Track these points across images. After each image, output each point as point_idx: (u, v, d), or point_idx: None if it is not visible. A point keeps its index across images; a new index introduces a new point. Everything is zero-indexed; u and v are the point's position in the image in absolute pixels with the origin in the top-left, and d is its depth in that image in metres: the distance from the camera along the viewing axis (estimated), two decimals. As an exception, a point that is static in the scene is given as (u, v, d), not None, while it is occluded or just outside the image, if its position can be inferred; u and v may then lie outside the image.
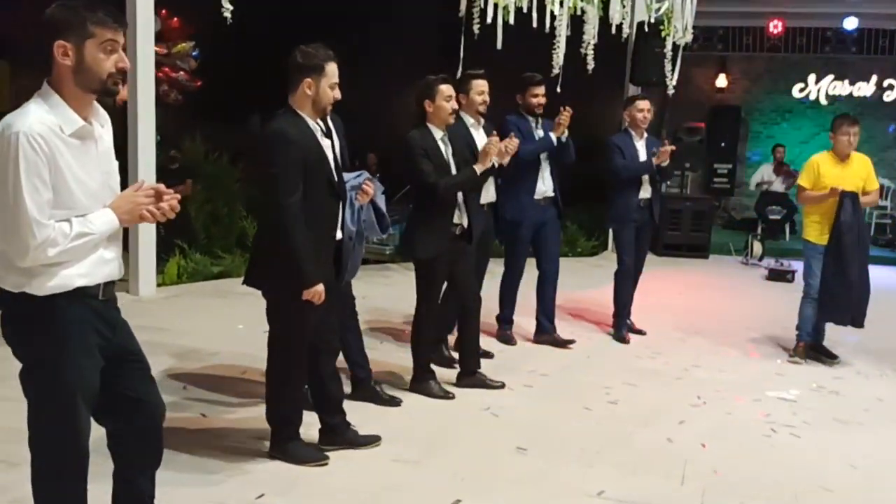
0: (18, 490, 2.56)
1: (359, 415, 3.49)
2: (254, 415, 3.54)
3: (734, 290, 7.55)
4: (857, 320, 4.81)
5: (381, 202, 3.45)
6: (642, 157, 5.21)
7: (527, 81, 4.81)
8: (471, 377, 4.18)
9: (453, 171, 3.87)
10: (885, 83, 11.32)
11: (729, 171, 11.44)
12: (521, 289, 5.07)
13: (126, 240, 5.51)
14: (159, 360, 4.20)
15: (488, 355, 4.63)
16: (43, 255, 1.97)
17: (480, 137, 4.31)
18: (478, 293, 4.18)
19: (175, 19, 9.63)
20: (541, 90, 4.81)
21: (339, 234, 3.12)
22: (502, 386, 4.20)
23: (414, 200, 4.00)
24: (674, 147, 5.24)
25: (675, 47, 8.00)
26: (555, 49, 6.68)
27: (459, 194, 3.90)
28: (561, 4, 6.61)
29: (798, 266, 6.42)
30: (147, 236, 5.80)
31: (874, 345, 5.30)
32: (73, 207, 2.02)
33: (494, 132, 4.12)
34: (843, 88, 11.48)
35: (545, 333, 5.11)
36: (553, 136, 4.73)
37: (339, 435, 3.30)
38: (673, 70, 8.04)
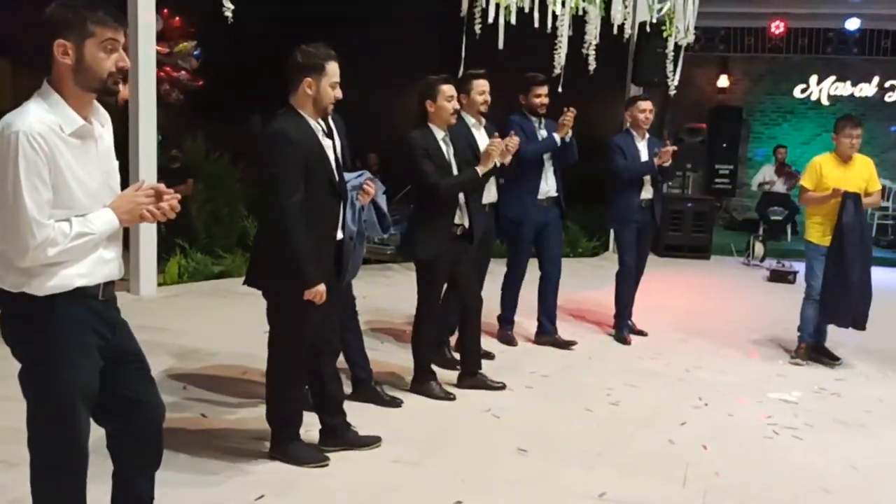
0: (18, 490, 2.55)
1: (359, 415, 3.48)
2: (254, 415, 3.53)
3: (735, 291, 7.54)
4: (858, 322, 4.79)
5: (383, 202, 3.44)
6: (644, 157, 5.20)
7: (530, 81, 4.80)
8: (472, 378, 4.17)
9: (455, 171, 3.86)
10: (887, 84, 11.32)
11: (730, 171, 11.45)
12: (523, 289, 5.06)
13: (127, 239, 5.50)
14: (159, 359, 4.19)
15: (489, 356, 4.62)
16: (42, 255, 1.96)
17: (482, 137, 4.30)
18: (479, 294, 4.17)
19: (177, 18, 9.62)
20: (544, 90, 4.80)
21: (339, 235, 3.11)
22: (503, 387, 4.19)
23: (415, 200, 3.99)
24: (675, 147, 5.22)
25: (677, 48, 7.99)
26: (556, 49, 6.67)
27: (461, 195, 3.89)
28: (563, 4, 6.60)
29: (800, 267, 6.41)
30: (148, 236, 5.79)
31: (876, 346, 5.28)
32: (73, 207, 2.01)
33: (496, 133, 4.11)
34: (844, 89, 11.48)
35: (546, 334, 5.10)
36: (557, 136, 4.73)
37: (339, 436, 3.29)
38: (674, 70, 8.03)
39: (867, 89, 11.41)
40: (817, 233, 4.88)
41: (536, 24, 6.50)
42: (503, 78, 4.58)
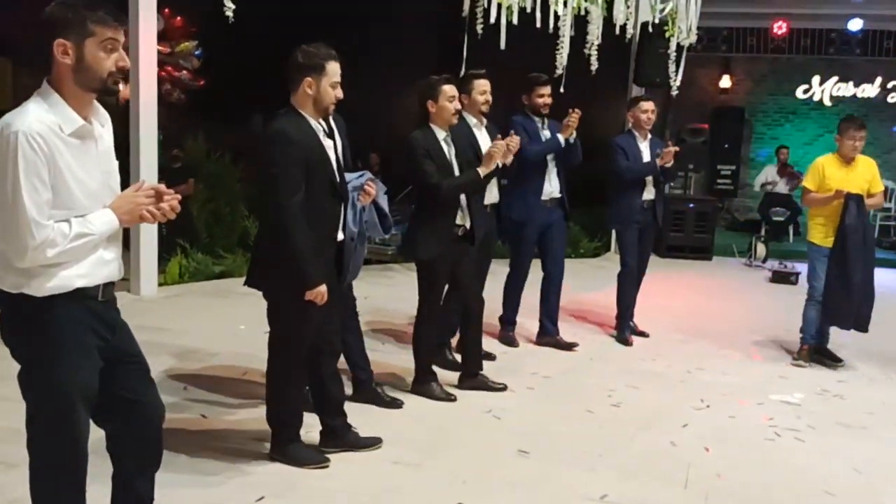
0: (17, 491, 2.54)
1: (360, 417, 3.47)
2: (254, 416, 3.52)
3: (737, 292, 7.52)
4: (860, 325, 4.78)
5: (384, 202, 3.43)
6: (646, 158, 5.19)
7: (532, 82, 4.79)
8: (473, 379, 4.16)
9: (456, 172, 3.85)
10: (890, 85, 11.31)
11: (732, 172, 11.44)
12: (525, 290, 5.05)
13: (127, 239, 5.50)
14: (160, 360, 4.19)
15: (490, 357, 4.61)
16: (42, 256, 1.95)
17: (483, 138, 4.29)
18: (480, 295, 4.16)
19: (178, 18, 9.62)
20: (547, 90, 4.79)
21: (340, 235, 3.10)
22: (504, 388, 4.18)
23: (416, 201, 3.98)
24: (677, 148, 5.21)
25: (679, 48, 7.97)
26: (558, 49, 6.66)
27: (462, 195, 3.88)
28: (565, 4, 6.59)
29: (802, 268, 6.39)
30: (149, 235, 5.79)
31: (879, 348, 5.27)
32: (73, 208, 2.00)
33: (499, 135, 4.08)
34: (847, 90, 11.46)
35: (548, 335, 5.09)
36: (561, 137, 4.71)
37: (339, 437, 3.28)
38: (677, 71, 8.02)
39: (869, 90, 11.40)
40: (820, 234, 4.86)
41: (538, 24, 6.49)
42: (505, 78, 4.57)
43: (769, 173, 10.61)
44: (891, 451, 3.69)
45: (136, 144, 5.60)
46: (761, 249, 8.96)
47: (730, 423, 3.91)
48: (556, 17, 6.59)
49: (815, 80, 11.56)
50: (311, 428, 3.27)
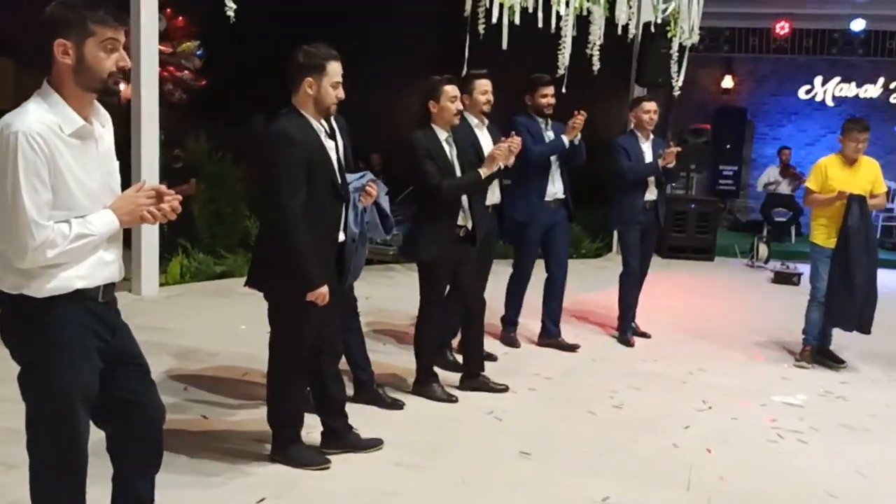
0: (17, 492, 2.53)
1: (361, 418, 3.46)
2: (255, 417, 3.51)
3: (740, 292, 7.51)
4: (863, 326, 4.76)
5: (385, 203, 3.42)
6: (648, 158, 5.17)
7: (536, 82, 4.77)
8: (474, 380, 4.15)
9: (458, 172, 3.84)
10: (892, 85, 11.29)
11: (734, 172, 11.42)
12: (527, 290, 5.03)
13: (129, 239, 5.49)
14: (160, 360, 4.18)
15: (492, 358, 4.60)
16: (42, 257, 1.94)
17: (485, 138, 4.28)
18: (481, 295, 4.15)
19: (180, 18, 9.62)
20: (550, 90, 4.77)
21: (341, 236, 3.09)
22: (506, 389, 4.17)
23: (417, 202, 3.97)
24: (679, 149, 5.20)
25: (682, 48, 7.97)
26: (560, 49, 6.65)
27: (464, 196, 3.87)
28: (567, 5, 6.59)
29: (804, 269, 6.39)
30: (150, 235, 5.78)
31: (882, 349, 5.25)
32: (73, 208, 1.99)
33: (503, 139, 4.05)
34: (849, 90, 11.45)
35: (550, 337, 5.08)
36: (565, 138, 4.69)
37: (340, 438, 3.27)
38: (679, 71, 8.01)
39: (872, 90, 11.38)
40: (822, 235, 4.85)
41: (540, 25, 6.48)
42: (507, 78, 4.56)
43: (771, 174, 10.60)
44: (894, 453, 3.68)
45: (138, 144, 5.59)
46: (763, 250, 8.94)
47: (732, 425, 3.90)
48: (559, 18, 6.58)
49: (818, 80, 11.54)
50: (311, 429, 3.27)
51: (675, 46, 7.94)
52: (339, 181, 3.03)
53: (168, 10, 8.81)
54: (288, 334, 3.05)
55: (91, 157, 2.04)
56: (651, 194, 5.19)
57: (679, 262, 8.82)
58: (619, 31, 7.16)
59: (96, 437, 2.20)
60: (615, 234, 8.26)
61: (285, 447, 3.14)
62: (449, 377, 4.19)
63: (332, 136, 3.03)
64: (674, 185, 8.07)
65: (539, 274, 5.04)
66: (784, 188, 10.42)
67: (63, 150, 1.96)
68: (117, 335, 2.17)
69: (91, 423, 2.15)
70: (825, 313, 4.85)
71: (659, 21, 8.03)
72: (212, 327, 5.13)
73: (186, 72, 9.58)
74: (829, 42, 11.25)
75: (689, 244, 9.18)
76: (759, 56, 11.58)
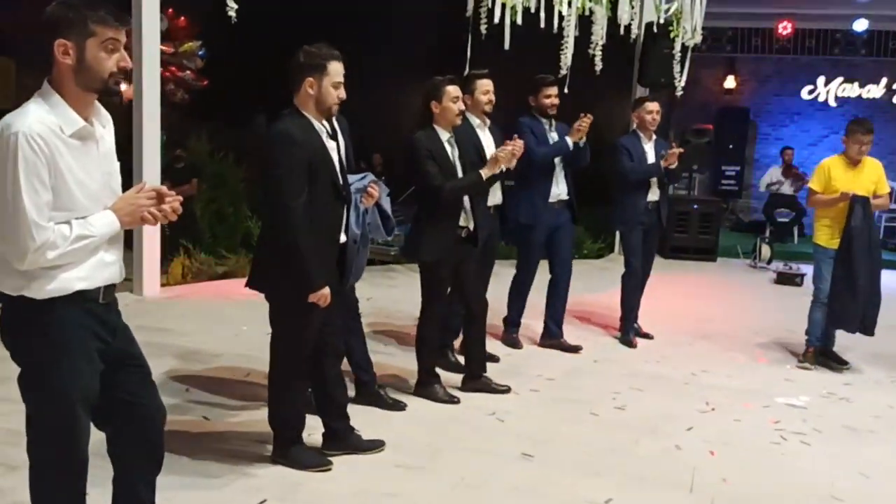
0: (18, 494, 2.53)
1: (362, 419, 3.45)
2: (256, 418, 3.50)
3: (742, 293, 7.49)
4: (867, 328, 4.74)
5: (387, 204, 3.41)
6: (650, 159, 5.16)
7: (540, 82, 4.75)
8: (476, 381, 4.14)
9: (459, 173, 3.82)
10: (895, 86, 11.25)
11: (737, 173, 11.40)
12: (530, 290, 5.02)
13: (130, 239, 5.50)
14: (162, 361, 4.17)
15: (494, 359, 4.58)
16: (42, 258, 1.93)
17: (487, 138, 4.27)
18: (483, 297, 4.14)
19: (182, 18, 9.62)
20: (554, 91, 4.75)
21: (343, 237, 3.08)
22: (508, 390, 4.16)
23: (419, 202, 3.96)
24: (682, 150, 5.19)
25: (684, 48, 7.94)
26: (562, 50, 6.63)
27: (466, 197, 3.86)
28: (569, 4, 6.57)
29: (807, 269, 6.36)
30: (152, 236, 5.78)
31: (885, 351, 5.23)
32: (73, 209, 1.99)
33: (507, 141, 4.02)
34: (852, 90, 11.43)
35: (552, 338, 5.06)
36: (570, 140, 4.67)
37: (342, 440, 3.26)
38: (681, 71, 7.99)
39: (875, 91, 11.36)
40: (825, 236, 4.84)
41: (542, 25, 6.47)
42: (508, 78, 4.55)
43: (774, 174, 10.58)
44: (898, 455, 3.66)
45: (139, 144, 5.59)
46: (766, 251, 8.92)
47: (735, 427, 3.88)
48: (561, 18, 6.56)
49: (821, 80, 11.52)
50: (313, 430, 3.26)
51: (677, 46, 7.92)
52: (341, 182, 3.02)
53: (170, 10, 8.82)
54: (289, 335, 3.04)
55: (92, 158, 2.04)
56: (653, 195, 5.18)
57: (681, 263, 8.81)
58: (622, 31, 7.14)
59: (96, 438, 2.20)
60: (617, 234, 8.26)
61: (287, 448, 3.13)
62: (451, 378, 4.18)
63: (333, 136, 3.02)
64: (676, 185, 8.05)
65: (542, 274, 5.03)
66: (787, 188, 10.39)
67: (63, 150, 1.95)
68: (118, 336, 2.16)
69: (92, 425, 2.14)
70: (828, 314, 4.84)
71: (661, 21, 8.00)
72: (213, 328, 5.12)
73: (188, 72, 9.59)
74: (831, 42, 11.23)
75: (692, 245, 9.16)
76: (761, 56, 11.57)
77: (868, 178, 4.81)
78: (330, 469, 3.12)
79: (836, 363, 4.98)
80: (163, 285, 6.06)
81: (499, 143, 4.23)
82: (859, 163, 4.81)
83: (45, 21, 1.95)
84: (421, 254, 3.86)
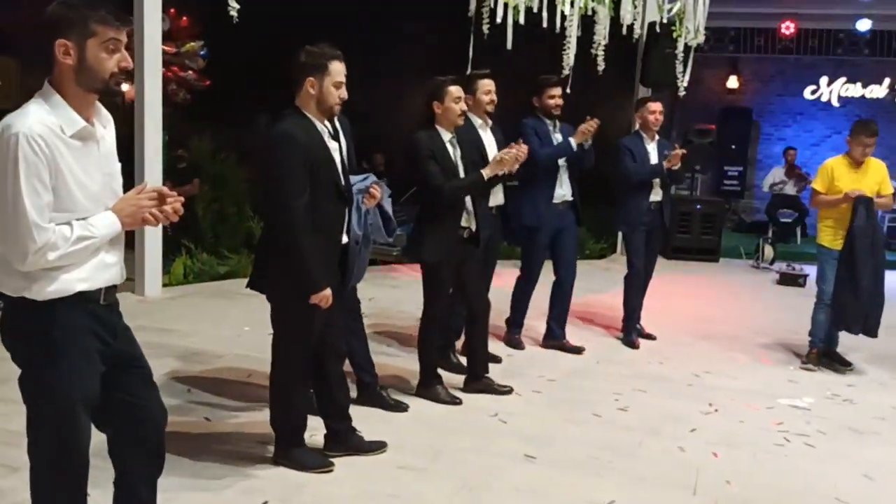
0: (18, 495, 2.53)
1: (364, 420, 3.44)
2: (258, 419, 3.49)
3: (745, 294, 7.47)
4: (870, 329, 4.72)
5: (388, 205, 3.40)
6: (653, 159, 5.15)
7: (543, 83, 4.73)
8: (478, 382, 4.13)
9: (461, 173, 3.81)
10: (898, 86, 11.24)
11: (739, 173, 11.39)
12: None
13: (132, 239, 5.49)
14: (163, 361, 4.17)
15: (496, 360, 4.58)
16: (43, 260, 1.93)
17: (488, 138, 4.26)
18: (485, 297, 4.13)
19: (184, 18, 9.63)
20: (558, 91, 4.73)
21: (344, 238, 3.07)
22: (510, 391, 4.15)
23: (421, 203, 3.95)
24: (684, 151, 5.17)
25: (687, 48, 7.94)
26: (565, 50, 6.62)
27: (468, 197, 3.85)
28: (571, 4, 6.56)
29: (810, 270, 6.35)
30: (153, 236, 5.77)
31: (889, 352, 5.21)
32: (74, 210, 1.98)
33: (512, 144, 3.99)
34: (855, 91, 11.41)
35: (555, 339, 5.05)
36: (573, 141, 4.65)
37: (344, 441, 3.25)
38: (684, 71, 7.98)
39: (878, 91, 11.33)
40: (829, 236, 4.82)
41: (545, 24, 6.46)
42: (511, 78, 4.53)
43: (777, 174, 10.56)
44: (902, 456, 3.65)
45: (141, 145, 5.58)
46: (769, 251, 8.91)
47: (739, 428, 3.87)
48: (563, 17, 6.55)
49: (823, 80, 11.50)
50: (315, 431, 3.25)
51: (680, 47, 7.91)
52: (343, 183, 3.01)
53: (172, 10, 8.83)
54: (291, 336, 3.03)
55: (92, 159, 2.03)
56: (656, 195, 5.16)
57: (684, 264, 8.79)
58: (624, 31, 7.14)
59: (98, 439, 2.19)
60: (620, 235, 8.25)
61: (288, 450, 3.12)
62: (453, 379, 4.17)
63: (335, 136, 3.01)
64: (678, 185, 8.03)
65: (546, 275, 5.01)
66: (790, 189, 10.37)
67: (64, 151, 1.94)
68: (119, 338, 2.15)
69: (93, 426, 2.13)
70: (832, 315, 4.82)
71: (664, 21, 8.00)
72: (215, 328, 5.11)
73: (190, 72, 9.60)
74: (834, 42, 11.21)
75: (694, 245, 9.15)
76: (764, 56, 11.55)
77: (872, 178, 4.79)
78: (332, 470, 3.11)
79: (839, 364, 4.96)
80: (164, 285, 6.05)
81: (500, 143, 4.22)
82: (863, 163, 4.80)
83: (45, 21, 1.95)
84: (423, 254, 3.85)
